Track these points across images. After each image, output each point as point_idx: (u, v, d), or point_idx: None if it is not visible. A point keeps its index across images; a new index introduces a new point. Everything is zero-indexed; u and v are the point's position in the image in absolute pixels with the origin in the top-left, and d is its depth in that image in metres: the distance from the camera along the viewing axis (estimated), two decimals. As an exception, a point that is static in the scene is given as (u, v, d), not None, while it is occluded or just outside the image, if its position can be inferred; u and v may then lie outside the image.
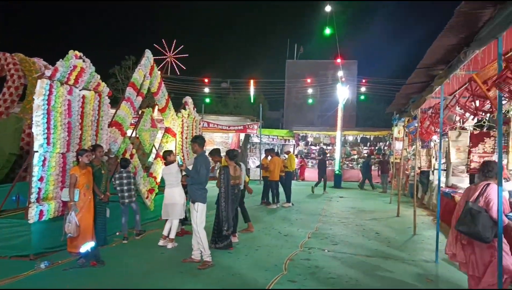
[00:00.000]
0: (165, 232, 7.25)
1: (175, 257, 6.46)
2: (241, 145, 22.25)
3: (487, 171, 4.47)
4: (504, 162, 6.95)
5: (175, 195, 7.33)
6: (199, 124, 12.78)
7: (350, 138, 25.37)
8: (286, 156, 13.73)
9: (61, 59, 6.79)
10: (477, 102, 6.33)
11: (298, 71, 37.95)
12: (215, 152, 7.90)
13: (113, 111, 8.51)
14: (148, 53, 9.54)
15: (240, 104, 38.06)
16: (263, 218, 10.51)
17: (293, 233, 8.60)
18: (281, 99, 40.63)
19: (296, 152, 24.26)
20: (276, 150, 14.28)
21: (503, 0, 3.85)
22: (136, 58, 31.94)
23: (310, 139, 25.31)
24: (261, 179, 13.10)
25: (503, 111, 5.89)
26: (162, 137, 10.75)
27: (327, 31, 17.47)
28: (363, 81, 33.40)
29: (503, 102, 5.11)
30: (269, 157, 12.82)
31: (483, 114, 6.53)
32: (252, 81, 29.17)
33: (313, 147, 25.12)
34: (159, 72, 10.40)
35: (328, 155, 24.37)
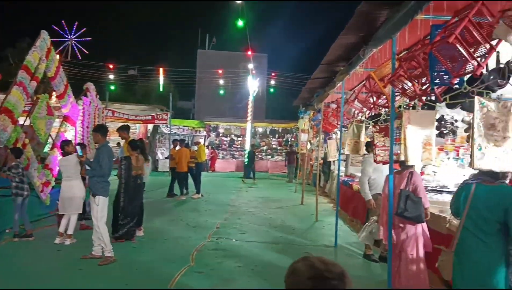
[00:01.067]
0: (61, 229, 6.69)
1: (74, 254, 6.00)
2: (148, 135, 21.50)
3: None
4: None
5: (73, 188, 6.80)
6: (102, 112, 12.05)
7: (260, 130, 25.97)
8: (196, 147, 13.59)
9: None
10: (374, 98, 6.83)
11: (209, 62, 37.63)
12: (124, 128, 7.61)
13: (3, 97, 7.61)
14: (44, 34, 8.68)
15: (149, 93, 36.72)
16: (170, 210, 10.28)
17: (201, 224, 8.55)
18: (192, 89, 40.06)
19: (207, 143, 24.18)
20: (186, 141, 14.05)
21: (398, 1, 4.15)
22: (32, 40, 29.03)
23: (221, 130, 25.40)
24: (170, 170, 12.77)
25: (397, 106, 6.44)
26: (60, 125, 9.91)
27: (239, 23, 17.57)
28: (273, 74, 34.32)
29: (397, 97, 5.56)
30: (178, 148, 12.61)
31: (380, 108, 7.07)
32: (161, 70, 28.26)
33: (224, 138, 25.24)
34: (58, 55, 9.55)
35: (239, 146, 24.71)
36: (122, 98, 31.07)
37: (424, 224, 4.93)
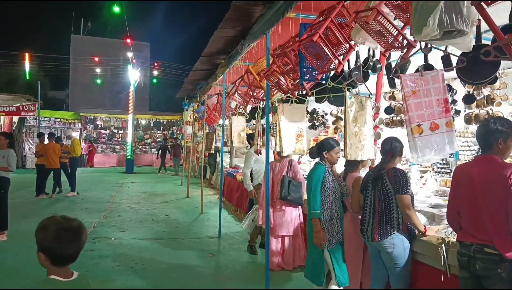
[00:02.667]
0: None
1: None
2: (13, 128, 19.16)
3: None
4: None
5: None
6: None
7: (143, 122, 25.03)
8: (69, 141, 12.51)
9: None
10: (255, 92, 7.07)
11: (85, 48, 34.92)
12: None
13: None
14: None
15: (13, 81, 32.61)
16: (41, 211, 9.33)
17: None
18: (66, 78, 36.78)
19: (83, 136, 22.47)
20: (56, 135, 12.86)
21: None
22: None
23: (99, 123, 23.81)
24: (36, 167, 11.50)
25: (273, 100, 6.76)
26: None
27: (116, 9, 16.54)
28: (155, 64, 33.31)
29: (273, 92, 5.83)
30: (46, 142, 11.47)
31: (258, 101, 7.34)
32: (27, 55, 25.31)
33: (103, 131, 23.73)
34: None
35: (120, 139, 23.55)
36: (-21, 86, 27.14)
37: (300, 207, 5.50)
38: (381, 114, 5.21)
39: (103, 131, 23.71)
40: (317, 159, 4.31)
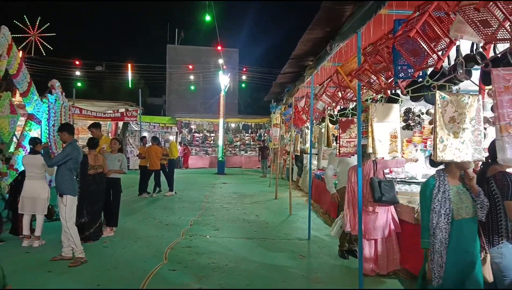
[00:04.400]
0: (26, 232, 6.49)
1: (43, 256, 5.85)
2: (118, 133, 21.09)
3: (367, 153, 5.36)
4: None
5: (36, 188, 6.58)
6: (69, 110, 11.73)
7: (233, 125, 25.94)
8: (168, 144, 13.44)
9: None
10: (342, 92, 6.95)
11: (179, 57, 37.26)
12: (96, 126, 7.55)
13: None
14: (4, 29, 8.34)
15: (117, 90, 35.97)
16: (143, 209, 10.15)
17: (174, 222, 8.49)
18: (163, 85, 39.55)
19: (179, 139, 23.96)
20: (158, 138, 13.91)
21: (361, -2, 4.24)
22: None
23: (193, 127, 25.21)
24: (139, 168, 12.55)
25: (364, 100, 6.56)
26: (25, 124, 9.59)
27: (207, 17, 17.44)
28: (244, 69, 34.29)
29: (364, 91, 5.68)
30: (148, 145, 12.46)
31: (348, 102, 7.19)
32: (129, 65, 27.72)
33: (196, 134, 25.07)
34: (20, 52, 9.22)
35: (212, 142, 24.64)
36: (90, 95, 30.34)
37: (393, 208, 5.29)
38: (486, 112, 4.78)
39: (196, 135, 25.06)
40: (439, 168, 3.62)
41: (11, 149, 9.88)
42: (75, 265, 5.48)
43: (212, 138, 24.98)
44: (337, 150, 6.20)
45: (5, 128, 8.63)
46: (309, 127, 9.67)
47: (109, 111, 19.90)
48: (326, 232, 7.67)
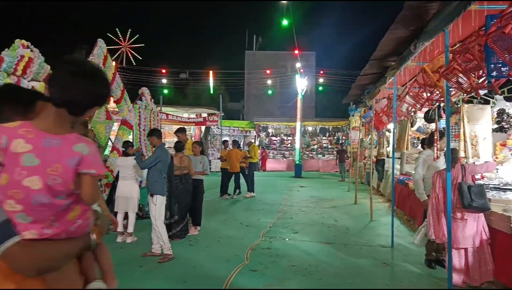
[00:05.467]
0: (120, 229, 7.07)
1: (135, 252, 6.35)
2: (201, 137, 22.10)
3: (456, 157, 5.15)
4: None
5: (129, 188, 7.16)
6: (157, 116, 12.56)
7: (310, 129, 25.83)
8: (248, 147, 13.82)
9: (6, 49, 6.44)
10: (428, 93, 6.61)
11: (257, 62, 38.01)
12: (182, 130, 7.94)
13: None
14: (100, 42, 9.22)
15: (199, 95, 37.71)
16: (224, 209, 10.53)
17: (254, 223, 8.68)
18: (241, 90, 40.63)
19: (257, 143, 24.44)
20: (238, 142, 14.39)
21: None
22: (89, 48, 30.65)
23: (271, 130, 25.57)
24: (221, 170, 13.09)
25: (454, 100, 6.19)
26: (118, 129, 10.47)
27: (284, 22, 17.60)
28: (321, 72, 33.97)
29: (452, 92, 5.37)
30: (228, 148, 12.91)
31: (433, 103, 6.83)
32: (211, 72, 28.91)
33: (273, 138, 25.39)
34: (114, 62, 10.10)
35: (289, 145, 24.79)
36: (175, 101, 32.16)
37: (482, 215, 4.94)
38: None
39: (273, 138, 25.37)
40: None
41: (106, 152, 10.84)
42: (164, 261, 5.86)
43: (289, 141, 25.11)
44: (435, 154, 5.94)
45: (101, 133, 9.50)
46: (391, 130, 9.33)
47: (193, 116, 20.97)
48: (410, 239, 7.31)
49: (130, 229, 7.07)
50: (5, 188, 1.55)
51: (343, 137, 24.48)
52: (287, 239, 7.34)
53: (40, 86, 7.13)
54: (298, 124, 22.21)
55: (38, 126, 1.65)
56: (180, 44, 66.05)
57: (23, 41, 6.79)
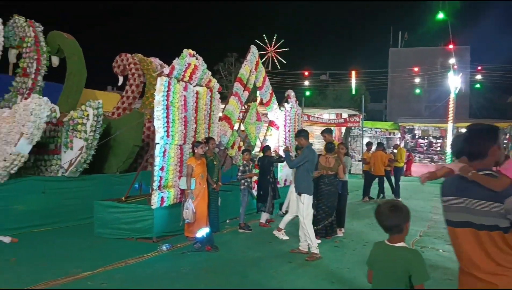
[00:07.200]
0: (282, 225, 7.23)
1: (283, 247, 6.58)
2: (342, 137, 21.85)
3: None
4: None
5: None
6: (301, 117, 12.82)
7: (463, 130, 23.36)
8: (395, 150, 13.16)
9: (177, 58, 7.30)
10: None
11: (402, 60, 35.95)
12: (328, 131, 7.90)
13: (222, 105, 8.95)
14: (253, 48, 9.83)
15: (339, 96, 37.35)
16: (368, 213, 10.18)
17: (402, 230, 8.19)
18: (383, 90, 38.94)
19: (402, 145, 23.09)
20: (383, 144, 13.83)
21: None
22: (238, 55, 33.02)
23: (417, 132, 23.85)
24: (363, 173, 12.74)
25: None
26: (266, 130, 11.01)
27: (440, 15, 16.16)
28: (479, 68, 30.41)
29: None
30: (371, 151, 12.47)
31: None
32: (353, 72, 28.34)
33: (420, 140, 23.62)
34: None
35: (438, 149, 22.85)
36: (315, 102, 32.51)
37: None
38: None
39: (420, 141, 23.61)
40: None
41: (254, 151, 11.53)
42: (311, 259, 5.94)
43: (439, 144, 23.05)
44: None
45: (252, 133, 10.13)
46: None
47: (333, 117, 20.88)
48: None
49: (282, 225, 7.23)
50: None
51: (506, 141, 21.46)
52: (441, 251, 6.75)
53: (203, 91, 7.93)
54: (450, 126, 20.28)
55: None
56: (321, 46, 66.46)
57: (190, 51, 7.63)
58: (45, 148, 7.99)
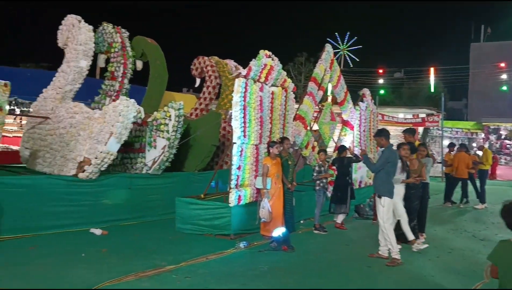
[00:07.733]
0: (410, 236, 6.79)
1: (361, 251, 6.40)
2: (419, 138, 20.80)
3: None
4: None
5: None
6: (376, 116, 12.40)
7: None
8: (479, 152, 12.27)
9: (253, 59, 7.40)
10: None
11: (484, 56, 33.37)
12: (410, 131, 7.65)
13: (296, 105, 8.93)
14: (328, 47, 9.70)
15: (415, 94, 35.57)
16: (451, 218, 9.62)
17: (490, 238, 7.62)
18: (462, 88, 36.45)
19: (486, 146, 21.47)
20: (466, 145, 12.95)
21: None
22: (308, 54, 32.78)
23: (502, 132, 22.02)
24: (443, 176, 11.99)
25: None
26: (341, 130, 10.80)
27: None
28: None
29: None
30: (454, 152, 11.73)
31: None
32: (432, 69, 26.79)
33: (507, 142, 21.78)
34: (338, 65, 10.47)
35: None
36: (389, 101, 31.27)
37: None
38: None
39: (507, 142, 21.77)
40: None
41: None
42: (392, 265, 5.72)
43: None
44: None
45: (326, 133, 10.00)
46: None
47: (409, 116, 19.95)
48: None
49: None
50: None
51: None
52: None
53: (278, 91, 7.97)
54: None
55: None
56: (394, 42, 63.86)
57: (266, 51, 7.70)
58: (131, 146, 8.52)
